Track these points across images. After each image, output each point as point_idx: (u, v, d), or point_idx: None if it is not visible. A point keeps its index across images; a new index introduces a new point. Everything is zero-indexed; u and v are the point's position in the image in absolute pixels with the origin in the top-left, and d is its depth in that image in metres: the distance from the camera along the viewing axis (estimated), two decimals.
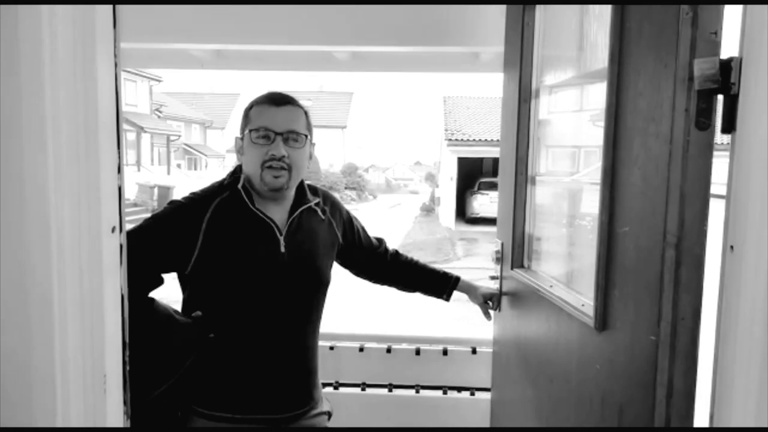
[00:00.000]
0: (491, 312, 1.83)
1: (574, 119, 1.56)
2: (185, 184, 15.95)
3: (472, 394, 2.17)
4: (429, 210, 22.16)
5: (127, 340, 0.73)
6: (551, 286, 1.38)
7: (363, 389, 2.20)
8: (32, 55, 0.60)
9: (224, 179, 1.43)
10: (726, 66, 0.76)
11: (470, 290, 1.82)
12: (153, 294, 1.33)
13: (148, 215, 1.40)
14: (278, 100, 1.39)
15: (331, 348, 2.23)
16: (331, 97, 33.57)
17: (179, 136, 26.94)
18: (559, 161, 1.65)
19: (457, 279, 1.80)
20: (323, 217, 1.52)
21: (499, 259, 1.74)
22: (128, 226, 0.95)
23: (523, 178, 1.58)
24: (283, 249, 1.38)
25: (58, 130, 0.61)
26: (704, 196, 0.84)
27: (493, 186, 15.73)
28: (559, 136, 1.62)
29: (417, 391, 2.20)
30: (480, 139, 17.14)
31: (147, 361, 1.13)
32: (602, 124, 1.08)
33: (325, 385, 2.07)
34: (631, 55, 1.00)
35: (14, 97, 0.60)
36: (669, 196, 0.87)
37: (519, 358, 1.62)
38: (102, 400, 0.68)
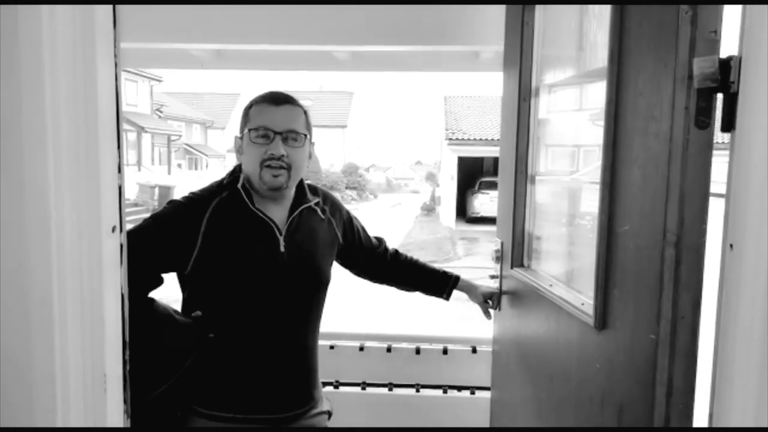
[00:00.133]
0: (491, 311, 1.83)
1: (573, 118, 1.56)
2: (186, 183, 15.95)
3: (472, 393, 2.17)
4: (430, 209, 22.16)
5: (127, 339, 0.74)
6: (551, 285, 1.38)
7: (363, 388, 2.21)
8: (32, 55, 0.60)
9: (223, 179, 1.43)
10: (725, 65, 0.76)
11: (470, 289, 1.82)
12: (153, 294, 1.33)
13: (149, 215, 1.40)
14: (277, 100, 1.39)
15: (332, 347, 2.23)
16: (331, 97, 33.56)
17: (180, 136, 26.95)
18: (558, 160, 1.65)
19: (457, 278, 1.80)
20: (323, 216, 1.52)
21: (499, 258, 1.74)
22: (128, 226, 0.95)
23: (522, 178, 1.58)
24: (282, 248, 1.38)
25: (58, 129, 0.62)
26: (704, 195, 0.84)
27: (493, 185, 15.72)
28: (559, 135, 1.62)
29: (417, 391, 2.20)
30: (480, 139, 17.14)
31: (147, 361, 1.13)
32: (602, 123, 1.08)
33: (325, 384, 2.07)
34: (630, 54, 1.00)
35: (14, 96, 0.60)
36: (669, 194, 0.87)
37: (519, 358, 1.62)
38: (102, 399, 0.68)
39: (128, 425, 0.75)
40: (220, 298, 1.36)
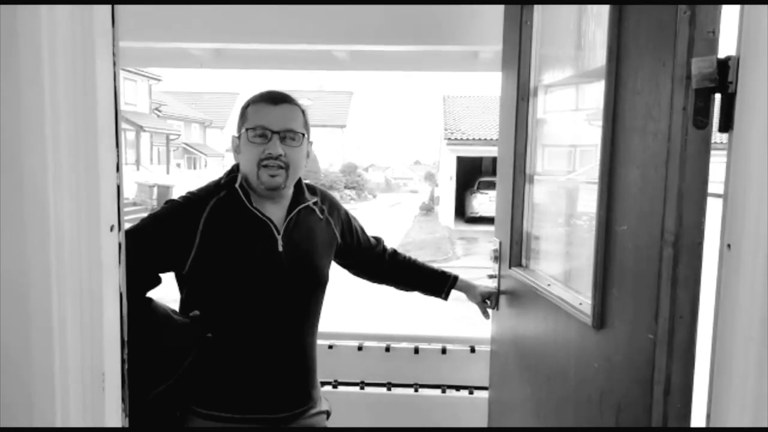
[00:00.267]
0: (489, 311, 1.83)
1: (570, 118, 1.56)
2: (185, 183, 15.94)
3: (471, 392, 2.18)
4: (428, 209, 22.16)
5: (125, 338, 0.74)
6: (549, 285, 1.38)
7: (362, 388, 2.21)
8: (31, 55, 0.60)
9: (221, 178, 1.43)
10: (723, 65, 0.76)
11: (468, 289, 1.82)
12: (150, 294, 1.33)
13: (146, 215, 1.40)
14: (275, 99, 1.39)
15: (330, 347, 2.23)
16: (330, 97, 33.54)
17: (179, 135, 26.92)
18: (556, 160, 1.65)
19: (456, 278, 1.81)
20: (321, 216, 1.52)
21: (498, 257, 1.74)
22: (127, 226, 0.95)
23: (521, 177, 1.58)
24: (280, 248, 1.38)
25: (56, 128, 0.62)
26: (702, 195, 0.84)
27: (492, 185, 15.73)
28: (557, 134, 1.62)
29: (416, 390, 2.20)
30: (479, 139, 17.15)
31: (145, 361, 1.13)
32: (598, 123, 1.08)
33: (323, 383, 2.07)
34: (629, 54, 1.00)
35: (13, 96, 0.60)
36: (667, 194, 0.87)
37: (517, 357, 1.63)
38: (100, 398, 0.68)
39: (127, 425, 0.75)
40: (218, 297, 1.36)
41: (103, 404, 0.68)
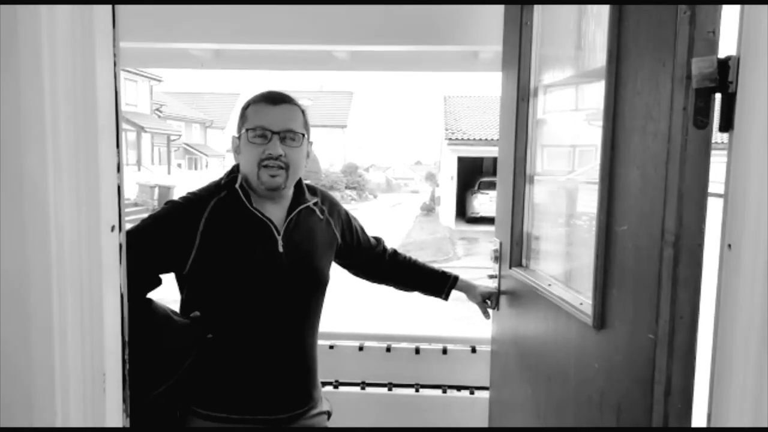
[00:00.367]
0: (490, 311, 1.83)
1: (570, 118, 1.56)
2: (186, 183, 15.95)
3: (472, 393, 2.18)
4: (429, 209, 22.16)
5: (126, 339, 0.74)
6: (550, 285, 1.38)
7: (363, 388, 2.21)
8: (31, 55, 0.60)
9: (221, 179, 1.43)
10: (724, 65, 0.76)
11: (469, 289, 1.82)
12: (150, 295, 1.33)
13: (147, 215, 1.40)
14: (275, 99, 1.39)
15: (331, 347, 2.23)
16: (331, 97, 33.54)
17: (179, 135, 26.94)
18: (556, 160, 1.65)
19: (456, 278, 1.80)
20: (321, 216, 1.52)
21: (498, 258, 1.74)
22: (127, 226, 0.95)
23: (521, 178, 1.58)
24: (281, 249, 1.38)
25: (57, 129, 0.62)
26: (702, 195, 0.84)
27: (493, 185, 15.71)
28: (555, 135, 1.62)
29: (416, 390, 2.20)
30: (480, 139, 17.15)
31: (145, 362, 1.13)
32: (598, 123, 1.08)
33: (324, 384, 2.07)
34: (629, 54, 1.00)
35: (14, 96, 0.60)
36: (667, 194, 0.87)
37: (517, 357, 1.62)
38: (101, 398, 0.68)
39: (127, 425, 0.75)
40: (218, 298, 1.36)
41: (104, 405, 0.68)
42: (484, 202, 17.17)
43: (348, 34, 2.12)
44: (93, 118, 0.65)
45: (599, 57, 1.21)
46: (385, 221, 18.54)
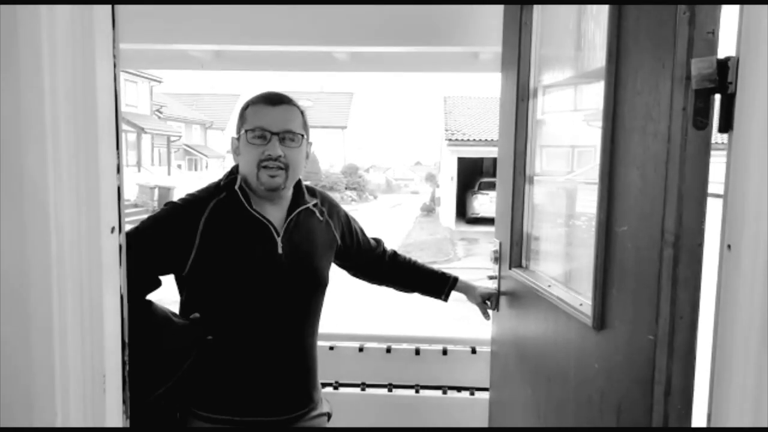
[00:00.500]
0: (490, 312, 1.83)
1: (569, 119, 1.56)
2: (186, 184, 15.95)
3: (472, 393, 2.18)
4: (429, 210, 22.17)
5: (126, 340, 0.74)
6: (549, 286, 1.38)
7: (363, 389, 2.21)
8: (31, 55, 0.60)
9: (221, 180, 1.43)
10: (723, 65, 0.76)
11: (468, 290, 1.82)
12: (150, 296, 1.33)
13: (146, 217, 1.40)
14: (274, 100, 1.39)
15: (331, 348, 2.23)
16: (331, 98, 33.56)
17: (180, 136, 26.95)
18: (556, 161, 1.65)
19: (456, 279, 1.80)
20: (321, 218, 1.52)
21: (498, 258, 1.74)
22: (127, 227, 0.95)
23: (521, 178, 1.58)
24: (280, 250, 1.38)
25: (57, 130, 0.62)
26: (702, 195, 0.84)
27: (493, 186, 15.71)
28: (555, 135, 1.62)
29: (417, 391, 2.20)
30: (480, 139, 17.15)
31: (145, 363, 1.13)
32: (597, 123, 1.08)
33: (324, 385, 2.07)
34: (628, 55, 1.00)
35: (13, 96, 0.60)
36: (667, 195, 0.87)
37: (517, 358, 1.62)
38: (101, 399, 0.68)
39: (127, 425, 0.75)
40: (218, 300, 1.36)
41: (104, 406, 0.68)
42: (484, 203, 17.17)
43: (348, 35, 2.12)
44: (93, 119, 0.65)
45: (599, 57, 1.21)
46: (385, 222, 18.54)
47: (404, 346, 2.26)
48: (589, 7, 1.35)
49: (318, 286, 1.47)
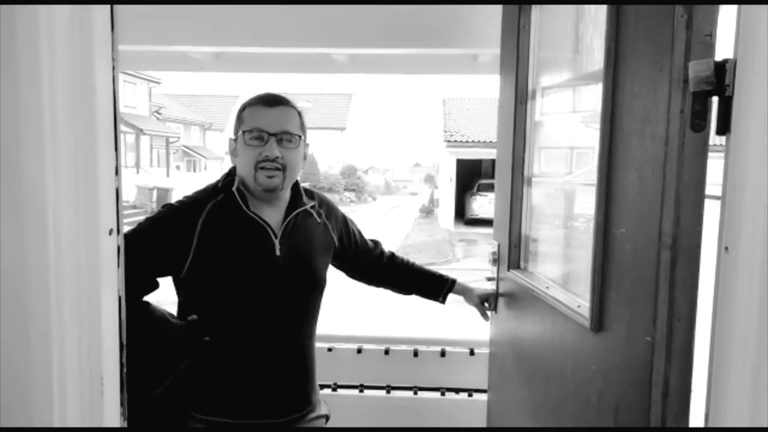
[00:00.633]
0: (489, 312, 1.83)
1: (567, 121, 1.57)
2: (184, 185, 15.93)
3: (470, 395, 2.18)
4: (428, 211, 22.17)
5: (124, 342, 0.74)
6: (547, 288, 1.38)
7: (361, 391, 2.21)
8: (30, 55, 0.60)
9: (218, 181, 1.43)
10: (720, 68, 0.76)
11: (466, 292, 1.82)
12: (148, 298, 1.33)
13: (143, 218, 1.40)
14: (271, 101, 1.39)
15: (329, 349, 2.23)
16: (330, 99, 33.57)
17: (178, 137, 26.93)
18: (554, 162, 1.65)
19: (453, 282, 1.80)
20: (319, 220, 1.52)
21: (496, 260, 1.74)
22: (125, 229, 0.95)
23: (519, 180, 1.58)
24: (278, 252, 1.38)
25: (55, 131, 0.62)
26: (699, 198, 0.85)
27: (492, 187, 15.69)
28: (553, 137, 1.62)
29: (415, 393, 2.20)
30: (479, 141, 17.16)
31: (142, 363, 1.13)
32: (595, 125, 1.08)
33: (323, 386, 2.06)
34: (626, 57, 1.01)
35: (12, 97, 0.60)
36: (664, 197, 0.87)
37: (515, 360, 1.63)
38: (99, 402, 0.68)
39: (125, 427, 0.75)
40: (215, 302, 1.36)
41: (102, 408, 0.68)
42: (483, 204, 17.18)
43: (347, 37, 2.13)
44: (91, 120, 0.65)
45: (597, 60, 1.22)
46: (384, 223, 18.54)
47: (402, 347, 2.26)
48: (587, 10, 1.35)
49: (316, 287, 1.46)
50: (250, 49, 2.24)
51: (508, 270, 1.63)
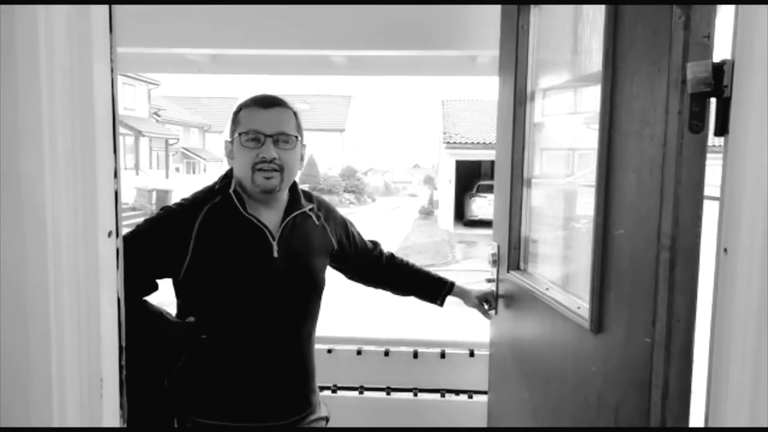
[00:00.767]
0: (490, 312, 1.82)
1: (568, 122, 1.57)
2: (184, 187, 15.92)
3: (470, 396, 2.17)
4: (428, 213, 22.17)
5: (123, 344, 0.73)
6: (547, 289, 1.38)
7: (361, 392, 2.20)
8: (29, 56, 0.60)
9: (215, 183, 1.42)
10: (719, 69, 0.76)
11: (464, 295, 1.81)
12: (148, 299, 1.32)
13: (141, 220, 1.40)
14: (267, 102, 1.38)
15: (329, 351, 2.23)
16: (329, 101, 33.58)
17: (177, 139, 26.93)
18: (554, 163, 1.66)
19: (452, 285, 1.79)
20: (317, 222, 1.51)
21: (496, 261, 1.74)
22: (124, 231, 0.95)
23: (518, 181, 1.58)
24: (275, 254, 1.38)
25: (54, 133, 0.62)
26: (698, 199, 0.85)
27: (491, 189, 15.71)
28: (554, 138, 1.62)
29: (415, 395, 2.20)
30: (478, 142, 17.17)
31: (139, 362, 1.12)
32: (595, 126, 1.08)
33: (322, 388, 2.06)
34: (625, 58, 1.01)
35: (11, 97, 0.60)
36: (663, 198, 0.87)
37: (515, 361, 1.62)
38: (98, 404, 0.68)
39: (124, 428, 0.75)
40: (213, 304, 1.35)
41: (101, 410, 0.68)
42: (482, 206, 17.18)
43: (346, 39, 2.13)
44: (90, 122, 0.65)
45: (595, 61, 1.22)
46: (383, 225, 18.53)
47: (402, 349, 2.26)
48: (585, 11, 1.36)
49: (314, 289, 1.46)
50: (248, 51, 2.24)
51: (508, 271, 1.63)
